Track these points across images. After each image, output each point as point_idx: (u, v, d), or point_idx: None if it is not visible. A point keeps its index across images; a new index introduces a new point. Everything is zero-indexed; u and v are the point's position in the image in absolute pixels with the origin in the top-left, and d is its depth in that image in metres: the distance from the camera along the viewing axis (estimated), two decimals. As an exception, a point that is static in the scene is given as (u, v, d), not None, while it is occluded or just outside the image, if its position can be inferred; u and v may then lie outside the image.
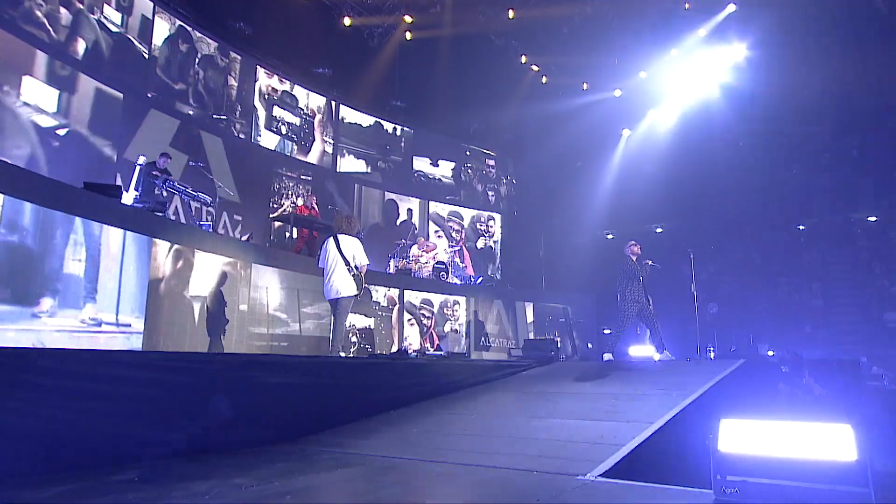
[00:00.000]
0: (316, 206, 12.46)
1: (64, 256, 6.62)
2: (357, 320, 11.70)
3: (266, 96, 13.98)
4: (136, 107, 11.10)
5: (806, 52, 14.65)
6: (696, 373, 5.90)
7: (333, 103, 15.56)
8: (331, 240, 7.28)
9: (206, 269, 8.66)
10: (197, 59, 12.51)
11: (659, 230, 19.73)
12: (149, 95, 11.39)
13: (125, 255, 7.35)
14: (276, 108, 14.20)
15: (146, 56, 11.39)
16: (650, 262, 8.76)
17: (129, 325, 7.24)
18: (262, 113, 13.87)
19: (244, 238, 11.48)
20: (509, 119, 18.24)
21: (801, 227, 17.77)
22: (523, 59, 17.33)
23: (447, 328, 13.48)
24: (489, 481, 3.57)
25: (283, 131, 14.29)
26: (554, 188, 19.27)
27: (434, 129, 17.77)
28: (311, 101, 15.07)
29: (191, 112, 12.22)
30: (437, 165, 17.89)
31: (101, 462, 3.69)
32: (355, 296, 7.12)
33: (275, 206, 13.53)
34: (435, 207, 17.57)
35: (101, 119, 10.39)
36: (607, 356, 8.66)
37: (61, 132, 9.78)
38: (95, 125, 10.33)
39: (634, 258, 8.70)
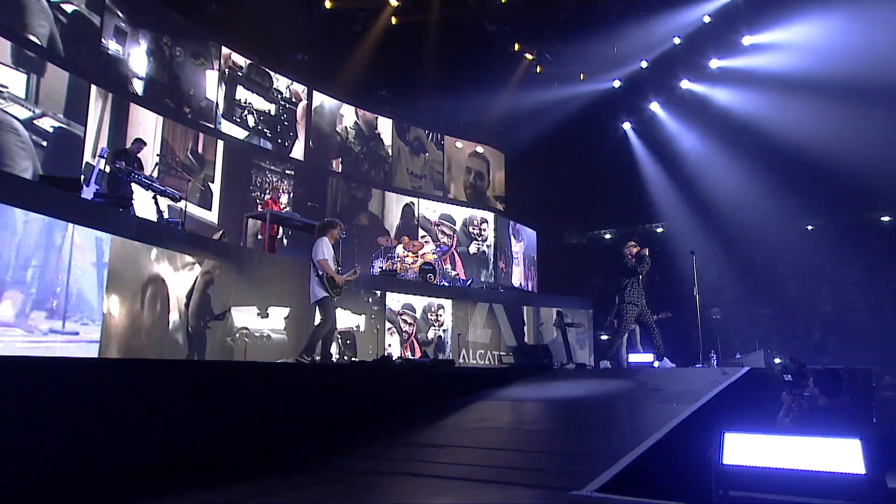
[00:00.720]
0: (283, 202, 12.48)
1: (12, 256, 6.52)
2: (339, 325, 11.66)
3: (226, 73, 13.64)
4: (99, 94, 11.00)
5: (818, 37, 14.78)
6: (698, 382, 5.92)
7: (311, 92, 15.49)
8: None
9: (176, 272, 8.58)
10: (166, 44, 12.39)
11: (659, 229, 19.85)
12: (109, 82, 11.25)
13: (80, 253, 7.26)
14: (240, 89, 13.92)
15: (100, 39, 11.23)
16: (646, 251, 8.76)
17: (77, 334, 7.13)
18: (222, 96, 13.49)
19: (216, 237, 11.40)
20: (501, 111, 18.27)
21: (811, 228, 17.90)
22: (516, 46, 17.34)
23: (431, 334, 13.46)
24: (480, 495, 3.56)
25: (251, 122, 14.06)
26: (548, 184, 19.30)
27: (421, 121, 17.76)
28: (291, 88, 15.01)
29: (165, 103, 12.13)
30: (425, 160, 17.88)
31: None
32: (326, 298, 7.45)
33: (258, 202, 13.47)
34: (424, 208, 17.55)
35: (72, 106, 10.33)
36: (604, 363, 8.69)
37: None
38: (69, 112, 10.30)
39: (633, 259, 8.73)
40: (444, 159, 18.32)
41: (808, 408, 4.97)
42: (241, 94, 13.99)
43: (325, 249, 7.51)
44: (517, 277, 18.92)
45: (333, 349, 7.85)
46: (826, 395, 4.71)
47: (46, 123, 10.06)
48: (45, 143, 10.01)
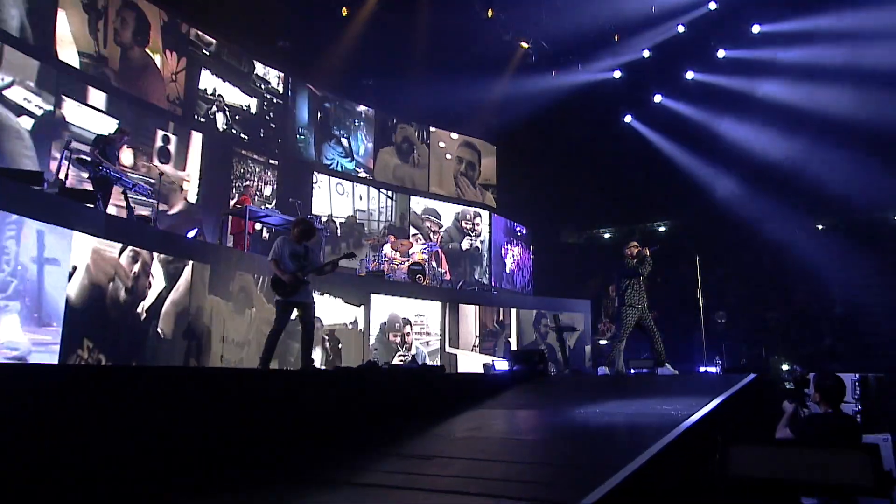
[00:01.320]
0: (267, 194, 12.44)
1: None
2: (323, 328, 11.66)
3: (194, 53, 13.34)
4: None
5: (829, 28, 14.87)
6: (702, 389, 5.94)
7: (289, 79, 15.42)
8: None
9: (149, 271, 8.54)
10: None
11: (662, 228, 19.93)
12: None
13: (38, 250, 7.20)
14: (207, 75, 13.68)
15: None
16: (648, 250, 8.78)
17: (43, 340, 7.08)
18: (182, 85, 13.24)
19: (190, 234, 11.36)
20: (494, 102, 18.26)
21: (821, 227, 18.00)
22: (511, 34, 17.34)
23: (420, 338, 13.47)
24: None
25: (220, 122, 13.80)
26: (543, 180, 19.34)
27: (410, 114, 17.74)
28: (271, 77, 14.95)
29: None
30: (415, 154, 17.88)
31: None
32: (278, 301, 7.60)
33: (237, 192, 13.43)
34: (414, 204, 17.55)
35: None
36: (603, 370, 8.71)
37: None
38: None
39: (635, 259, 8.76)
40: (430, 152, 18.29)
41: (809, 417, 5.01)
42: (209, 82, 13.76)
43: (274, 248, 7.67)
44: (511, 278, 18.95)
45: (318, 354, 7.88)
46: (827, 403, 4.74)
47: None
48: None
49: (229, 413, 4.81)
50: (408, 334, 13.28)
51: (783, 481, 2.84)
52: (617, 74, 18.20)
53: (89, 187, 9.00)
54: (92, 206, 8.38)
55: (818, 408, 4.83)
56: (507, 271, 19.02)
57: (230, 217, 11.72)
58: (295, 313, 7.64)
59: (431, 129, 18.35)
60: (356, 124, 16.99)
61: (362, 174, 16.87)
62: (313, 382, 6.39)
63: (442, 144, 18.65)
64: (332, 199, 16.02)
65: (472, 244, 18.38)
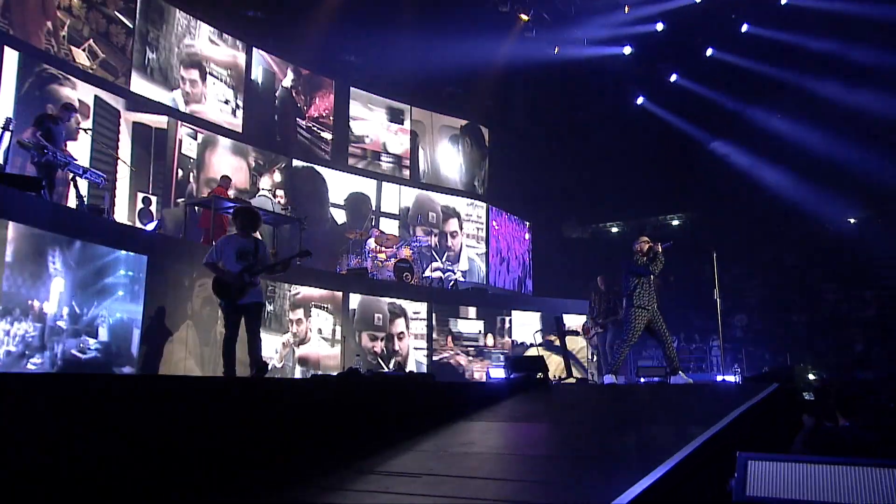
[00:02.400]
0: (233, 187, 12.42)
1: None
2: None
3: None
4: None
5: None
6: (719, 401, 5.96)
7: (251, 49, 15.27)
8: None
9: (95, 269, 8.52)
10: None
11: (675, 222, 20.00)
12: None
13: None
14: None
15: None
16: (660, 247, 8.79)
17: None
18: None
19: (149, 227, 11.33)
20: (488, 81, 18.23)
21: (852, 221, 18.05)
22: (508, 5, 17.31)
23: (406, 344, 13.48)
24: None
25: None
26: (543, 168, 19.36)
27: (396, 93, 17.67)
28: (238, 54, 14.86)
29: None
30: (395, 137, 17.83)
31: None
32: (223, 305, 7.52)
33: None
34: (395, 193, 17.53)
35: None
36: (610, 378, 8.73)
37: None
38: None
39: (645, 256, 8.77)
40: (415, 135, 18.21)
41: (821, 431, 5.03)
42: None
43: (211, 251, 7.53)
44: (507, 276, 18.98)
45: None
46: (845, 416, 4.76)
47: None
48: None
49: (186, 427, 4.79)
50: (397, 338, 13.29)
51: (809, 502, 2.86)
52: (627, 50, 18.17)
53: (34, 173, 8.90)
54: (35, 194, 8.27)
55: (837, 421, 4.85)
56: (501, 269, 19.03)
57: (197, 208, 11.70)
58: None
59: (416, 109, 18.27)
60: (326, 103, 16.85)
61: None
62: (287, 392, 6.38)
63: (428, 126, 18.58)
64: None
65: (461, 242, 18.36)
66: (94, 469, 4.02)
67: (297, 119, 16.01)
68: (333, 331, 12.34)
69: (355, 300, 12.80)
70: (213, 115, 14.27)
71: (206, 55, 14.23)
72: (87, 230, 8.48)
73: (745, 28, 17.29)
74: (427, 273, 15.92)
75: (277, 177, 15.25)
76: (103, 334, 8.60)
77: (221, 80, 14.52)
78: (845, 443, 4.57)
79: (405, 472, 4.83)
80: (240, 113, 14.83)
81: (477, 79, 18.12)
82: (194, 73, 13.98)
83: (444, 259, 17.35)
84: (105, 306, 8.64)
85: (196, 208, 11.90)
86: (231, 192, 12.53)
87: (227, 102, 14.61)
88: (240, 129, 14.76)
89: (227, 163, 14.21)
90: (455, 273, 16.71)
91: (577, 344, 14.17)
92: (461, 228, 18.29)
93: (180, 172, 13.42)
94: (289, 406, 5.80)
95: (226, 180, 12.50)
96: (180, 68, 13.71)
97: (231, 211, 11.37)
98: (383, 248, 14.37)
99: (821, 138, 16.59)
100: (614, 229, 21.25)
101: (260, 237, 8.28)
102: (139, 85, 12.88)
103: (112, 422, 4.30)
